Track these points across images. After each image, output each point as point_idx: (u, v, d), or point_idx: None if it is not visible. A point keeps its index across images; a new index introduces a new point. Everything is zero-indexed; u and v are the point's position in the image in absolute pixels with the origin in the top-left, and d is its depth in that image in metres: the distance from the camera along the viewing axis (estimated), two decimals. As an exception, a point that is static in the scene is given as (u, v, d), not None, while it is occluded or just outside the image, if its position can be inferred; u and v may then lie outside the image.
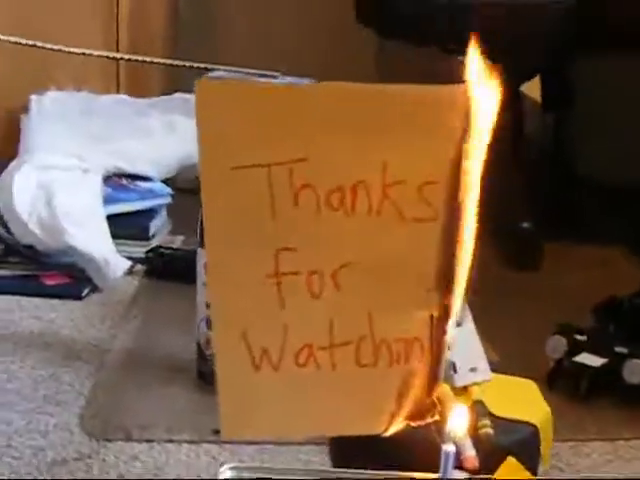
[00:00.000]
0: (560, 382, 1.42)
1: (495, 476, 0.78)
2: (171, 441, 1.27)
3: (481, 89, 0.82)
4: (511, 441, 0.91)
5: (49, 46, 2.08)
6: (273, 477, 0.76)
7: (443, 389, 0.87)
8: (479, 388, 0.97)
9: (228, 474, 0.75)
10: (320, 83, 0.82)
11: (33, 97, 2.22)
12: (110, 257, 1.82)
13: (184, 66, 2.18)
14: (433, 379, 0.85)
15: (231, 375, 0.82)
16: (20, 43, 2.08)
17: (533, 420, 0.96)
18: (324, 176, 0.83)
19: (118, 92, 2.47)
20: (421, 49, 2.05)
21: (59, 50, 2.12)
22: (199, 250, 1.40)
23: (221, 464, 1.17)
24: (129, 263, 1.85)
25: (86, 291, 1.77)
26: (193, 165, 2.25)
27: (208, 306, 1.39)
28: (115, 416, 1.34)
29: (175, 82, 2.49)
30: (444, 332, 0.83)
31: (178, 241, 2.01)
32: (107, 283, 1.80)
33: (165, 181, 2.16)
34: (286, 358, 0.83)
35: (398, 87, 0.83)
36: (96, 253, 1.80)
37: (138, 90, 2.47)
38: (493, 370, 1.01)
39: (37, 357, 1.51)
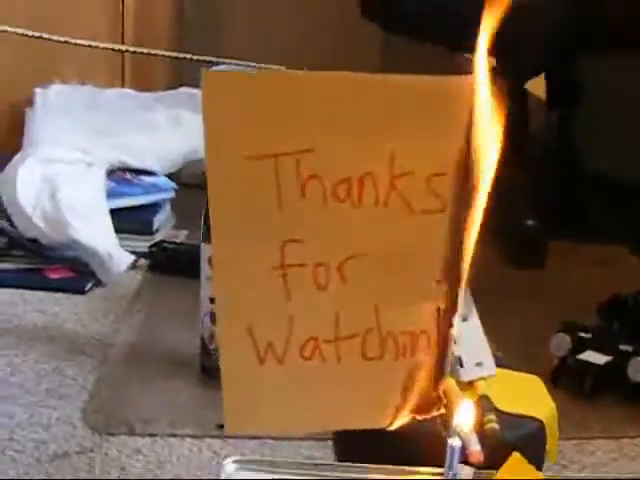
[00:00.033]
0: (564, 380, 1.42)
1: (500, 471, 0.78)
2: (174, 435, 1.27)
3: (487, 84, 0.81)
4: (517, 436, 0.91)
5: (55, 38, 2.07)
6: (276, 471, 0.76)
7: (449, 383, 0.87)
8: (485, 383, 0.96)
9: (231, 467, 0.75)
10: (328, 72, 0.82)
11: (38, 90, 2.22)
12: (114, 251, 1.82)
13: (190, 59, 2.17)
14: (439, 372, 0.84)
15: (235, 368, 0.82)
16: (26, 35, 2.07)
17: (539, 415, 0.96)
18: (331, 167, 0.82)
19: (123, 86, 2.47)
20: (426, 45, 2.04)
21: (65, 42, 2.12)
22: (203, 245, 1.40)
23: (224, 457, 1.17)
24: (132, 257, 1.85)
25: (90, 285, 1.77)
26: (198, 160, 2.26)
27: (212, 300, 1.39)
28: (118, 410, 1.33)
29: (180, 76, 2.49)
30: (451, 325, 0.83)
31: (182, 236, 2.01)
32: (111, 277, 1.79)
33: (169, 176, 2.16)
34: (291, 351, 0.82)
35: (406, 78, 0.82)
36: (100, 247, 1.80)
37: (143, 84, 2.46)
38: (498, 365, 1.00)
39: (40, 351, 1.51)
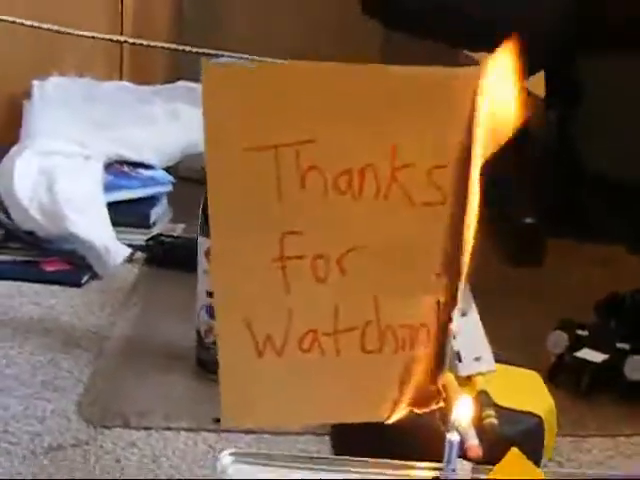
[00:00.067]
0: (561, 377, 1.41)
1: (498, 466, 0.77)
2: (169, 429, 1.27)
3: (496, 79, 0.81)
4: (515, 431, 0.91)
5: (55, 28, 2.07)
6: (273, 464, 0.75)
7: (447, 378, 0.86)
8: (483, 378, 0.96)
9: (227, 460, 0.75)
10: (329, 63, 0.81)
11: (35, 82, 2.21)
12: (110, 244, 1.81)
13: (190, 52, 2.16)
14: (438, 366, 0.84)
15: (234, 361, 0.81)
16: (24, 24, 2.07)
17: (537, 411, 0.96)
18: (332, 158, 0.82)
19: (121, 79, 2.46)
20: (427, 42, 2.04)
21: (64, 33, 2.11)
22: (200, 238, 1.40)
23: (220, 450, 1.17)
24: (129, 251, 1.84)
25: (86, 278, 1.77)
26: (195, 154, 2.26)
27: (209, 294, 1.39)
28: (113, 403, 1.33)
29: (178, 70, 2.48)
30: (450, 318, 0.83)
31: (179, 229, 2.00)
32: (107, 270, 1.79)
33: (167, 169, 2.16)
34: (290, 344, 0.81)
35: (408, 69, 0.82)
36: (96, 240, 1.80)
37: (141, 77, 2.46)
38: (497, 361, 1.00)
39: (36, 343, 1.50)
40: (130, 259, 1.85)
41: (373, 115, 0.82)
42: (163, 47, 2.35)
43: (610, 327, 1.49)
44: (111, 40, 2.31)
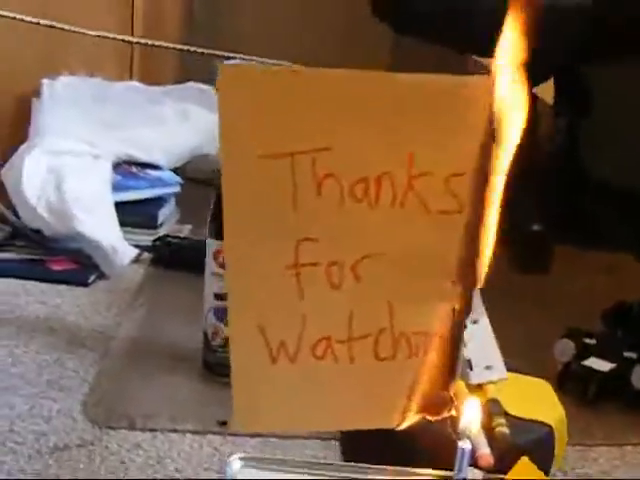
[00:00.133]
0: (568, 386, 1.41)
1: (509, 475, 0.77)
2: (175, 431, 1.26)
3: (508, 87, 0.81)
4: (526, 440, 0.91)
5: (65, 27, 2.07)
6: (283, 469, 0.75)
7: (459, 386, 0.86)
8: (494, 387, 0.96)
9: (237, 465, 0.74)
10: (346, 70, 0.81)
11: (45, 81, 2.21)
12: (117, 244, 1.81)
13: (200, 53, 2.16)
14: (450, 374, 0.84)
15: (246, 367, 0.81)
16: (31, 22, 2.07)
17: (548, 420, 0.95)
18: (348, 166, 0.81)
19: (131, 79, 2.47)
20: (436, 47, 2.03)
21: (73, 32, 2.11)
22: (208, 240, 1.39)
23: (226, 454, 1.17)
24: (136, 251, 1.84)
25: (92, 278, 1.77)
26: (203, 155, 2.27)
27: (216, 296, 1.39)
28: (119, 404, 1.33)
29: (188, 72, 2.49)
30: (465, 326, 0.82)
31: (186, 230, 2.00)
32: (114, 270, 1.79)
33: (175, 170, 2.16)
34: (303, 350, 0.81)
35: (427, 77, 0.81)
36: (104, 240, 1.80)
37: (151, 78, 2.46)
38: (507, 369, 1.00)
39: (42, 342, 1.50)
40: (137, 259, 1.85)
41: (390, 123, 0.81)
42: (175, 48, 2.35)
43: (617, 336, 1.49)
44: (123, 40, 2.31)
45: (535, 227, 1.99)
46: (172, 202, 2.09)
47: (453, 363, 0.83)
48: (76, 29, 2.13)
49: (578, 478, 1.22)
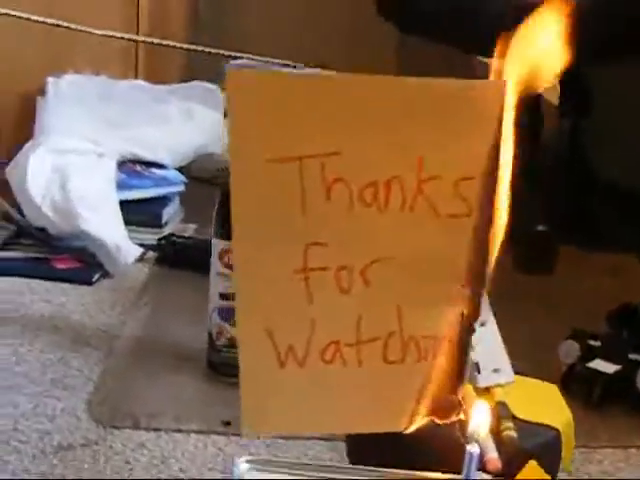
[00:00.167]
0: (573, 387, 1.41)
1: (516, 478, 0.77)
2: (179, 431, 1.26)
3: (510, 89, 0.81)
4: (534, 444, 0.90)
5: (69, 25, 2.07)
6: (291, 472, 0.75)
7: (466, 389, 0.86)
8: (502, 390, 0.96)
9: (244, 467, 0.74)
10: (355, 74, 0.81)
11: (50, 79, 2.22)
12: (122, 243, 1.81)
13: (206, 52, 2.16)
14: (458, 377, 0.83)
15: (254, 371, 0.80)
16: (36, 21, 2.07)
17: (555, 424, 0.95)
18: (357, 171, 0.81)
19: (136, 78, 2.47)
20: (442, 47, 2.03)
21: (77, 30, 2.11)
22: (214, 240, 1.39)
23: (235, 456, 1.17)
24: (140, 250, 1.84)
25: (97, 276, 1.77)
26: (208, 154, 2.27)
27: (221, 296, 1.39)
28: (123, 403, 1.33)
29: (193, 71, 2.48)
30: (473, 330, 0.82)
31: (190, 229, 2.00)
32: (118, 269, 1.79)
33: (179, 169, 2.16)
34: (312, 354, 0.81)
35: (435, 81, 0.81)
36: (108, 239, 1.80)
37: (156, 77, 2.46)
38: (515, 372, 1.00)
39: (46, 340, 1.50)
40: (141, 258, 1.85)
41: (399, 127, 0.81)
42: (180, 47, 2.35)
43: (622, 338, 1.48)
44: (127, 39, 2.31)
45: (540, 228, 1.99)
46: (176, 201, 2.09)
47: (461, 367, 0.83)
48: (81, 28, 2.13)
49: (580, 478, 1.22)
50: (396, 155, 0.81)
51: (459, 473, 0.73)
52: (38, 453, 1.18)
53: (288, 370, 0.81)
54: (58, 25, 2.08)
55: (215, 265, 1.39)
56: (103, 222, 1.82)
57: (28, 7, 2.24)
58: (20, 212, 1.88)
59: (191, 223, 2.04)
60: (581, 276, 1.94)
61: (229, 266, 1.36)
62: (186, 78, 2.46)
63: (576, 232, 2.07)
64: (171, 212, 2.04)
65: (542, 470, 0.79)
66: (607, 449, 1.31)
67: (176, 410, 1.31)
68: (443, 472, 0.77)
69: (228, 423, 1.26)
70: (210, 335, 1.41)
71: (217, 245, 1.38)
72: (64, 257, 1.81)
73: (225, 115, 2.31)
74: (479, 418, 0.75)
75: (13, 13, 2.12)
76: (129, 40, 2.35)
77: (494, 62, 0.85)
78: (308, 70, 1.74)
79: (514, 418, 0.92)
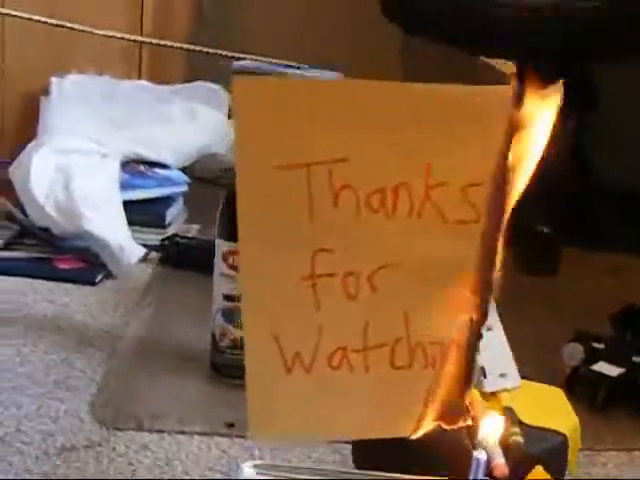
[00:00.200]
0: (577, 390, 1.40)
1: (523, 485, 0.77)
2: (182, 432, 1.26)
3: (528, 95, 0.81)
4: (540, 450, 0.90)
5: (70, 25, 2.07)
6: (297, 477, 0.74)
7: (473, 394, 0.86)
8: (509, 394, 0.96)
9: (250, 472, 0.74)
10: (361, 80, 0.80)
11: (53, 79, 2.21)
12: (125, 244, 1.81)
13: (212, 53, 2.16)
14: (466, 382, 0.83)
15: (262, 376, 0.80)
16: (39, 21, 2.07)
17: (562, 429, 0.95)
18: (365, 177, 0.81)
19: (140, 78, 2.46)
20: (446, 47, 2.03)
21: (78, 30, 2.11)
22: (217, 241, 1.39)
23: (236, 458, 1.16)
24: (144, 250, 1.84)
25: (100, 277, 1.76)
26: (212, 154, 2.26)
27: (225, 297, 1.39)
28: (126, 404, 1.33)
29: (196, 71, 2.48)
30: (480, 336, 0.82)
31: (194, 230, 2.00)
32: (121, 269, 1.79)
33: (183, 169, 2.16)
34: (319, 360, 0.81)
35: (442, 86, 0.81)
36: (111, 239, 1.79)
37: (159, 77, 2.46)
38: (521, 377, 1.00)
39: (49, 341, 1.50)
40: (144, 259, 1.84)
41: (407, 133, 0.81)
42: (182, 48, 2.35)
43: (626, 340, 1.48)
44: (132, 40, 2.31)
45: (543, 229, 1.99)
46: (180, 201, 2.08)
47: (469, 372, 0.83)
48: (83, 28, 2.12)
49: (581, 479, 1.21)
50: (403, 161, 0.81)
51: (466, 478, 0.73)
52: (41, 454, 1.18)
53: (295, 376, 0.81)
54: (59, 25, 2.07)
55: (219, 266, 1.39)
56: (106, 222, 1.82)
57: (31, 7, 2.24)
58: (23, 212, 1.88)
59: (194, 223, 2.04)
60: (582, 276, 1.94)
61: (233, 267, 1.36)
62: (189, 78, 2.46)
63: (577, 233, 2.07)
64: (174, 212, 2.04)
65: (548, 475, 0.79)
66: (611, 452, 1.31)
67: (179, 412, 1.31)
68: (450, 477, 0.76)
69: (231, 425, 1.26)
70: (213, 336, 1.41)
71: (221, 246, 1.38)
72: (67, 257, 1.81)
73: (229, 116, 2.31)
74: (489, 427, 0.75)
75: (15, 13, 2.12)
76: (131, 41, 2.34)
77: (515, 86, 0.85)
78: (314, 71, 1.74)
79: (520, 423, 0.92)
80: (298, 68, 2.03)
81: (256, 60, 2.10)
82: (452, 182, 0.82)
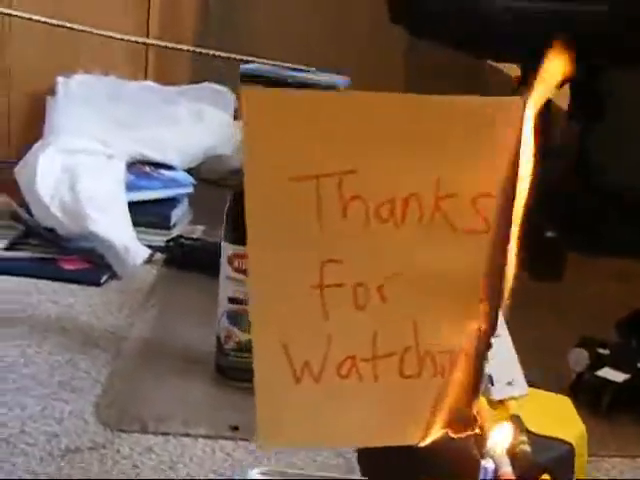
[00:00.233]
0: (581, 396, 1.40)
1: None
2: (187, 435, 1.26)
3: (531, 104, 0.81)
4: (547, 459, 0.90)
5: (76, 27, 2.07)
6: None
7: (481, 402, 0.86)
8: (516, 402, 0.95)
9: (257, 477, 0.74)
10: (371, 92, 0.80)
11: (60, 79, 2.21)
12: (130, 244, 1.81)
13: (218, 56, 2.16)
14: (474, 391, 0.83)
15: (270, 385, 0.80)
16: (45, 22, 2.07)
17: (568, 437, 0.95)
18: (375, 189, 0.81)
19: (146, 79, 2.46)
20: (451, 50, 2.03)
21: (82, 31, 2.11)
22: (223, 244, 1.39)
23: (238, 460, 1.16)
24: (149, 251, 1.84)
25: (105, 278, 1.76)
26: (217, 156, 2.26)
27: (230, 300, 1.39)
28: (131, 406, 1.32)
29: (202, 72, 2.48)
30: (489, 345, 0.82)
31: (199, 231, 2.00)
32: (126, 270, 1.79)
33: (188, 171, 2.16)
34: (328, 370, 0.81)
35: (452, 98, 0.81)
36: (117, 240, 1.79)
37: (166, 78, 2.46)
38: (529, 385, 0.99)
39: (54, 342, 1.50)
40: (149, 260, 1.84)
41: (416, 145, 0.81)
42: (187, 50, 2.35)
43: (631, 346, 1.48)
44: (138, 42, 2.31)
45: (549, 234, 1.98)
46: (185, 203, 2.08)
47: (477, 381, 0.83)
48: (87, 29, 2.12)
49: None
50: (413, 172, 0.81)
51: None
52: (45, 456, 1.18)
53: (304, 385, 0.80)
54: (63, 26, 2.07)
55: (224, 269, 1.39)
56: (112, 223, 1.82)
57: (38, 8, 2.24)
58: (29, 212, 1.88)
59: (200, 225, 2.04)
60: (587, 281, 1.94)
61: (238, 270, 1.36)
62: (196, 79, 2.46)
63: (584, 237, 2.07)
64: (180, 214, 2.04)
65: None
66: (616, 458, 1.30)
67: (184, 414, 1.30)
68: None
69: (236, 428, 1.26)
70: (218, 339, 1.41)
71: (227, 249, 1.38)
72: (72, 258, 1.81)
73: (235, 117, 2.31)
74: (498, 437, 0.75)
75: (22, 15, 2.12)
76: (137, 43, 2.34)
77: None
78: (322, 74, 1.73)
79: (528, 432, 0.92)
80: (307, 72, 2.03)
81: (261, 63, 2.10)
82: (462, 193, 0.81)
